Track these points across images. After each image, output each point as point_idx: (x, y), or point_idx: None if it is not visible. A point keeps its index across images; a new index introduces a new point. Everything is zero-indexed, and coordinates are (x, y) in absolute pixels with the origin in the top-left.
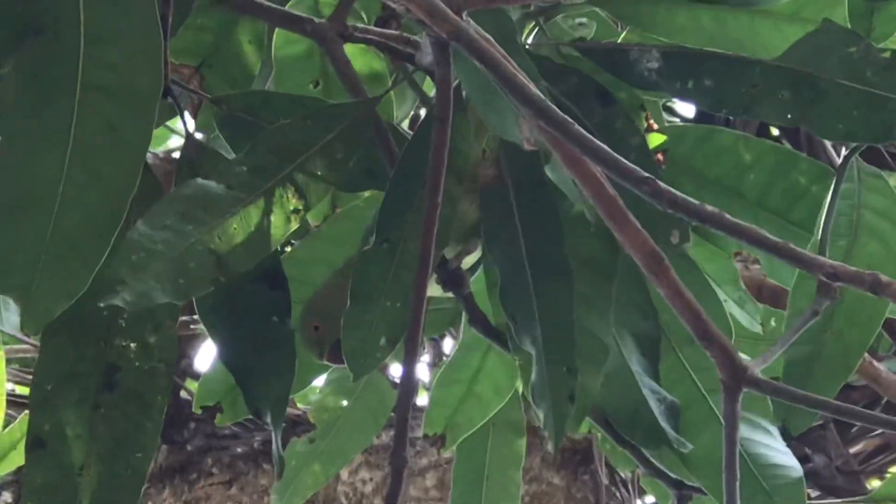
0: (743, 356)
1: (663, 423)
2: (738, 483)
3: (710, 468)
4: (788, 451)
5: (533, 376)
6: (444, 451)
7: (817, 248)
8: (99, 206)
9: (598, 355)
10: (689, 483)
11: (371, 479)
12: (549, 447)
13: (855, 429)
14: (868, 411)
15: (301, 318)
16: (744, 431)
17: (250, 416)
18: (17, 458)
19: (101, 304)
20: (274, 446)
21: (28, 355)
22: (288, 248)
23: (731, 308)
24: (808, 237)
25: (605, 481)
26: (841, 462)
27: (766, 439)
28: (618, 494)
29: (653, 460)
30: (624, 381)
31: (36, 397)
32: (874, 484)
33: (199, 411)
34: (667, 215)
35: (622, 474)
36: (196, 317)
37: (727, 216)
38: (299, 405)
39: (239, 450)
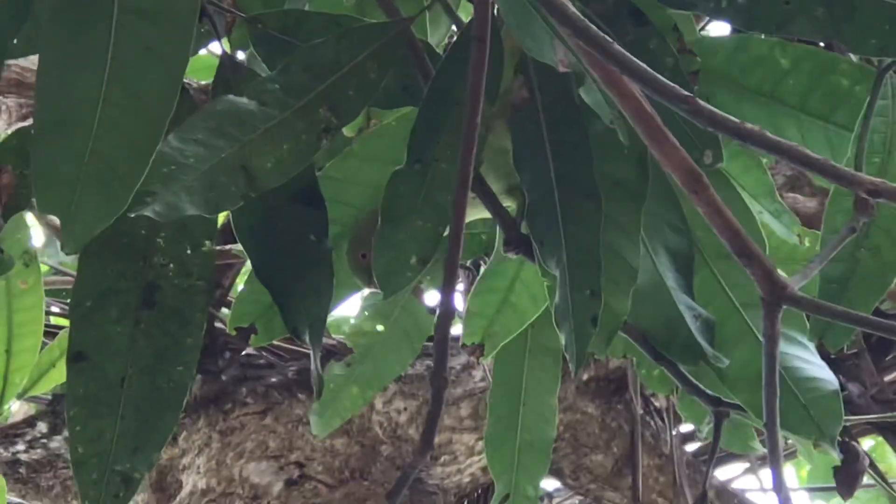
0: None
1: (699, 339)
2: (777, 400)
3: (746, 383)
4: (824, 364)
5: (556, 298)
6: (483, 360)
7: (853, 165)
8: (137, 126)
9: (625, 277)
10: (727, 400)
11: (405, 409)
12: (572, 370)
13: (889, 357)
14: None
15: (349, 246)
16: (781, 346)
17: (284, 345)
18: (56, 377)
19: (132, 215)
20: (313, 365)
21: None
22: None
23: (767, 220)
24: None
25: (640, 410)
26: (876, 390)
27: (802, 353)
28: (652, 423)
29: (690, 377)
30: (659, 298)
31: (76, 314)
32: None
33: (234, 332)
34: (702, 134)
35: (656, 403)
36: (232, 246)
37: (768, 134)
38: (334, 335)
39: (273, 379)
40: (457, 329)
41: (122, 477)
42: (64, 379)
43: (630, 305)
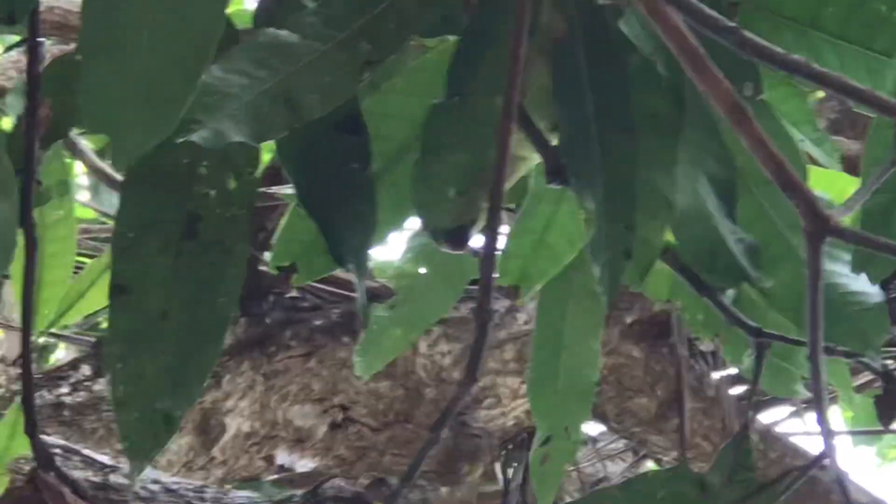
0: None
1: (742, 261)
2: (821, 332)
3: (791, 300)
4: (866, 277)
5: (591, 231)
6: (519, 302)
7: (894, 95)
8: (184, 49)
9: (662, 211)
10: (768, 331)
11: (450, 352)
12: (604, 303)
13: None
14: None
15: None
16: (824, 263)
17: (327, 287)
18: (84, 307)
19: (179, 141)
20: (358, 294)
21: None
22: None
23: (808, 147)
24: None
25: (684, 353)
26: None
27: (845, 269)
28: (696, 367)
29: (731, 308)
30: (701, 224)
31: (118, 245)
32: None
33: (276, 271)
34: (741, 65)
35: (701, 347)
36: (275, 188)
37: (813, 64)
38: (377, 279)
39: (318, 322)
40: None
41: (162, 415)
42: (93, 309)
43: (672, 230)
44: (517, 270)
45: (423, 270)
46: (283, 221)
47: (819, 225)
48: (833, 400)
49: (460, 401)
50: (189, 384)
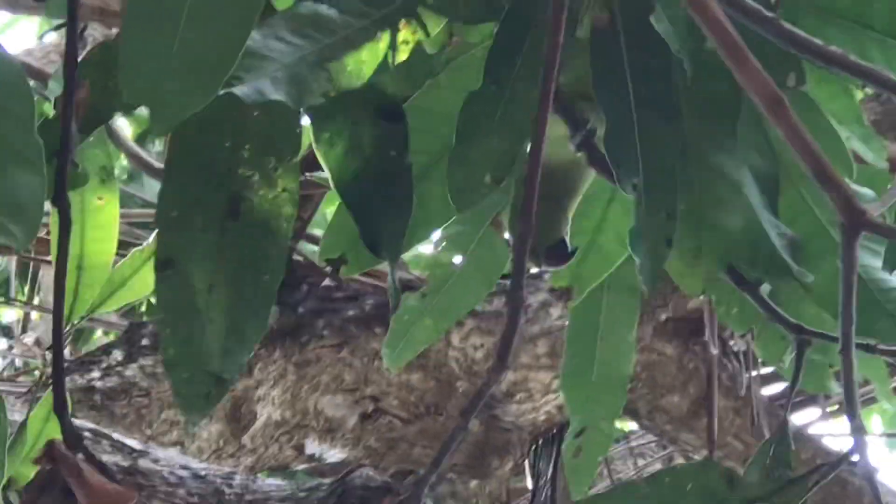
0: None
1: (785, 256)
2: (854, 326)
3: (832, 296)
4: None
5: (632, 221)
6: (572, 304)
7: None
8: (226, 20)
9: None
10: (809, 328)
11: (482, 346)
12: (645, 292)
13: None
14: None
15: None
16: (865, 259)
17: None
18: (127, 295)
19: (221, 92)
20: (390, 280)
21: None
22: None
23: (855, 145)
24: None
25: (716, 351)
26: None
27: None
28: (729, 365)
29: (772, 304)
30: (744, 217)
31: (162, 222)
32: None
33: (325, 263)
34: (785, 56)
35: (734, 346)
36: (312, 174)
37: (851, 56)
38: (412, 270)
39: (351, 313)
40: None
41: (213, 377)
42: (135, 297)
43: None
44: (570, 272)
45: (457, 260)
46: (327, 211)
47: (855, 219)
48: (868, 402)
49: (491, 388)
50: (237, 352)
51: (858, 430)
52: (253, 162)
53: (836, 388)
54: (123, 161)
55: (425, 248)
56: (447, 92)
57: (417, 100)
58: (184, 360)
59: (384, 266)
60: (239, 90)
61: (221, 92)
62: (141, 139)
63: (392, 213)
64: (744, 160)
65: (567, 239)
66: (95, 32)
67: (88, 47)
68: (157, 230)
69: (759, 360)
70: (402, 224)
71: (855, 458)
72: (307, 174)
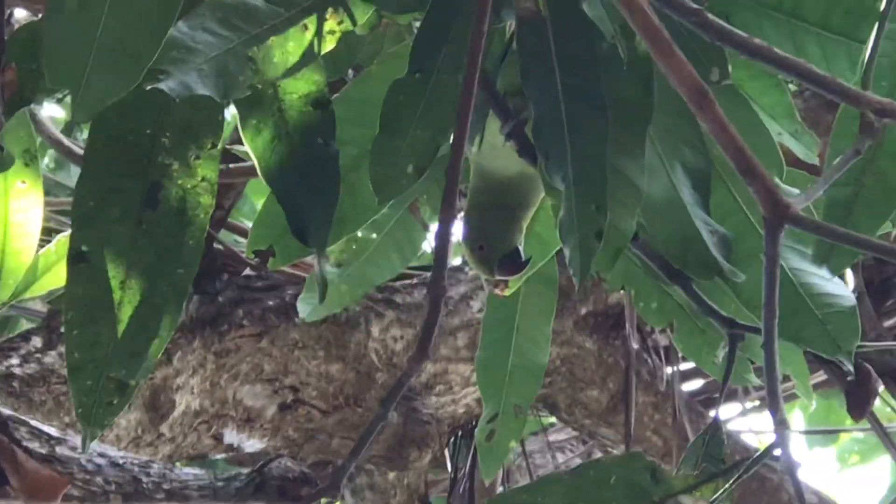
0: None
1: (715, 253)
2: (777, 320)
3: (760, 297)
4: (840, 281)
5: (561, 213)
6: (507, 292)
7: (860, 88)
8: (149, 7)
9: (630, 198)
10: (742, 322)
11: (402, 337)
12: (575, 284)
13: (889, 302)
14: None
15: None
16: (796, 262)
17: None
18: (51, 282)
19: (147, 88)
20: (316, 267)
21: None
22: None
23: (788, 141)
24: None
25: (636, 346)
26: (874, 335)
27: (818, 270)
28: (649, 361)
29: (704, 298)
30: (675, 214)
31: (78, 213)
32: None
33: (252, 255)
34: (709, 50)
35: (653, 342)
36: (234, 165)
37: (776, 49)
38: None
39: (270, 302)
40: (456, 260)
41: (116, 384)
42: (59, 284)
43: (639, 224)
44: None
45: (373, 236)
46: (261, 206)
47: (778, 212)
48: (790, 398)
49: (412, 376)
50: (145, 354)
51: (781, 424)
52: (173, 150)
53: (757, 382)
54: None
55: None
56: (378, 83)
57: (348, 91)
58: (88, 366)
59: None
60: (165, 85)
61: (148, 87)
62: (69, 126)
63: (319, 201)
64: (675, 155)
65: (521, 249)
66: (22, 17)
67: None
68: (72, 218)
69: (680, 356)
70: (329, 212)
71: (777, 451)
72: (230, 159)
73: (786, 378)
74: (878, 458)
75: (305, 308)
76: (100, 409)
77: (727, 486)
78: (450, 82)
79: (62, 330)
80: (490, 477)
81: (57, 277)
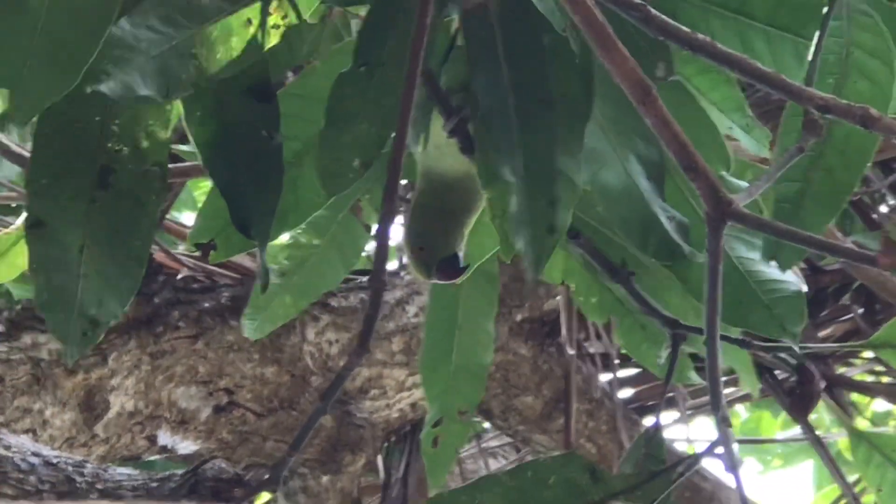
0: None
1: (675, 237)
2: (719, 316)
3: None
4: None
5: (512, 207)
6: (460, 280)
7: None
8: (88, 5)
9: (567, 194)
10: (685, 323)
11: (337, 341)
12: (529, 278)
13: (824, 312)
14: (850, 247)
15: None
16: (742, 251)
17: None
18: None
19: (88, 90)
20: (259, 262)
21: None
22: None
23: (738, 135)
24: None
25: (573, 352)
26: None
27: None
28: (583, 368)
29: (647, 297)
30: (632, 201)
31: (33, 188)
32: (841, 370)
33: (194, 248)
34: (657, 46)
35: (589, 349)
36: (174, 165)
37: (718, 45)
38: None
39: (207, 304)
40: (392, 264)
41: (89, 319)
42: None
43: (584, 221)
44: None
45: (316, 242)
46: (204, 199)
47: (720, 209)
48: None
49: (352, 370)
50: (113, 304)
51: (723, 422)
52: (123, 136)
53: (696, 379)
54: None
55: None
56: (322, 79)
57: (292, 86)
58: (58, 305)
59: (241, 258)
60: (106, 86)
61: (89, 90)
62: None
63: (262, 194)
64: (628, 145)
65: (461, 255)
66: None
67: None
68: (27, 193)
69: (616, 362)
70: (272, 205)
71: (719, 449)
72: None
73: (727, 384)
74: (800, 463)
75: (251, 324)
76: (75, 335)
77: (668, 487)
78: (395, 76)
79: None
80: (438, 483)
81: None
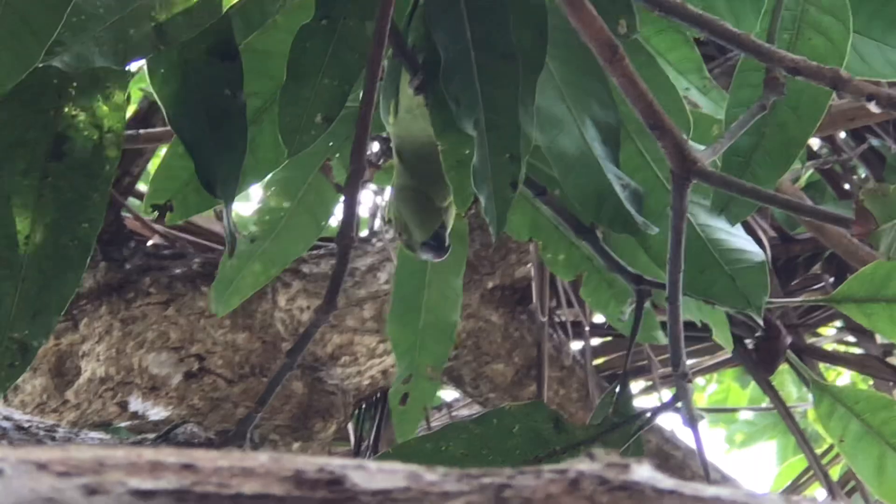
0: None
1: (628, 207)
2: (682, 274)
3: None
4: (749, 237)
5: (475, 161)
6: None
7: (764, 40)
8: None
9: (525, 150)
10: (649, 278)
11: (308, 308)
12: (492, 234)
13: (795, 281)
14: (810, 205)
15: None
16: (705, 218)
17: (189, 238)
18: None
19: (41, 65)
20: (225, 221)
21: None
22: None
23: (695, 96)
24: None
25: (545, 319)
26: (779, 314)
27: (727, 226)
28: (554, 336)
29: (612, 254)
30: (588, 168)
31: None
32: (810, 340)
33: (150, 211)
34: (618, 2)
35: (560, 316)
36: (143, 130)
37: (688, 5)
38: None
39: (178, 271)
40: (363, 232)
41: (19, 345)
42: None
43: (550, 178)
44: None
45: (286, 205)
46: (160, 160)
47: (686, 167)
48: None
49: (319, 327)
50: (48, 313)
51: (682, 377)
52: (80, 99)
53: (663, 339)
54: None
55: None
56: (283, 33)
57: (252, 41)
58: None
59: (207, 223)
60: (59, 60)
61: (41, 64)
62: None
63: (227, 153)
64: (585, 110)
65: (446, 233)
66: None
67: None
68: None
69: (587, 330)
70: (237, 163)
71: (679, 404)
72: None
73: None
74: (762, 442)
75: (217, 298)
76: (1, 371)
77: (629, 439)
78: (357, 29)
79: None
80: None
81: None
